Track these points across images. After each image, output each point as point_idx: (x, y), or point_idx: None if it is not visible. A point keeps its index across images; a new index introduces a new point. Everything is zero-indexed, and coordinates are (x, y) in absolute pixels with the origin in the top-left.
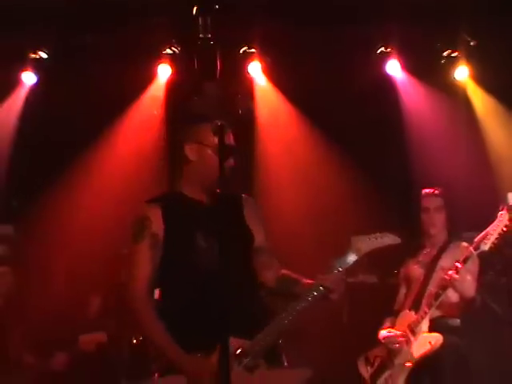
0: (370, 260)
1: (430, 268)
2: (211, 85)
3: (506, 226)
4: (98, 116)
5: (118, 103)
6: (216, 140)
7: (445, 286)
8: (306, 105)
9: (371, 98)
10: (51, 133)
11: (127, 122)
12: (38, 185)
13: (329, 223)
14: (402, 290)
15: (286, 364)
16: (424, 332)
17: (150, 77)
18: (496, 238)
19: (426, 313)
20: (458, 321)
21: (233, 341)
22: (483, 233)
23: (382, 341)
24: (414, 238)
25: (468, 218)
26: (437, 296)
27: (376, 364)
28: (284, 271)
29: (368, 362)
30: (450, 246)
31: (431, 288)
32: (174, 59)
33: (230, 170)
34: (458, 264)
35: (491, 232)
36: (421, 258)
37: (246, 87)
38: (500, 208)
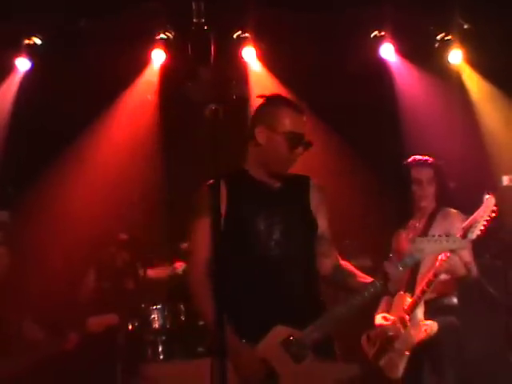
0: (363, 243)
1: None
2: (205, 70)
3: (492, 211)
4: (92, 101)
5: (112, 88)
6: (288, 127)
7: (436, 273)
8: (300, 90)
9: (366, 82)
10: (46, 119)
11: (121, 108)
12: (34, 171)
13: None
14: None
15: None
16: (419, 319)
17: (144, 62)
18: (483, 225)
19: (419, 298)
20: (455, 299)
21: (282, 329)
22: (470, 219)
23: (378, 329)
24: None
25: (463, 201)
26: (429, 283)
27: (377, 345)
28: (342, 262)
29: (370, 341)
30: (438, 214)
31: (423, 269)
32: (168, 44)
33: (297, 158)
34: (447, 253)
35: (478, 219)
36: (411, 231)
37: (240, 72)
38: (485, 192)
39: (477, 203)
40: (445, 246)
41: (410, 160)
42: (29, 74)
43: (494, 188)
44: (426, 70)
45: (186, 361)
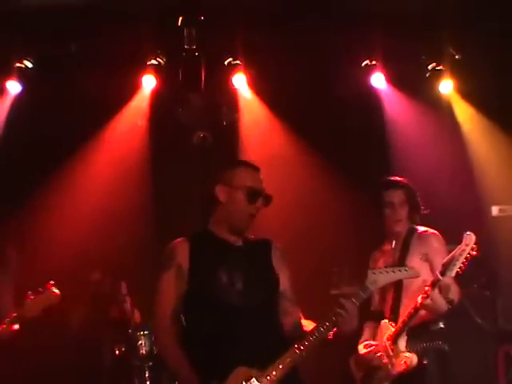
0: (352, 271)
1: None
2: (195, 96)
3: (472, 249)
4: (82, 125)
5: (102, 113)
6: (246, 182)
7: (417, 308)
8: (290, 117)
9: (356, 111)
10: (35, 142)
11: (111, 132)
12: (20, 196)
13: (314, 234)
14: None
15: None
16: (400, 350)
17: (134, 87)
18: (462, 262)
19: (401, 329)
20: (442, 324)
21: (243, 369)
22: (449, 256)
23: (362, 358)
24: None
25: (452, 230)
26: (410, 316)
27: (363, 371)
28: (304, 321)
29: (357, 365)
30: (413, 237)
31: (405, 296)
32: (158, 70)
33: (257, 212)
34: (426, 288)
35: (457, 256)
36: (387, 256)
37: (230, 99)
38: (465, 233)
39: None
40: (397, 275)
41: (381, 182)
42: (19, 97)
43: (483, 219)
44: (416, 99)
45: None
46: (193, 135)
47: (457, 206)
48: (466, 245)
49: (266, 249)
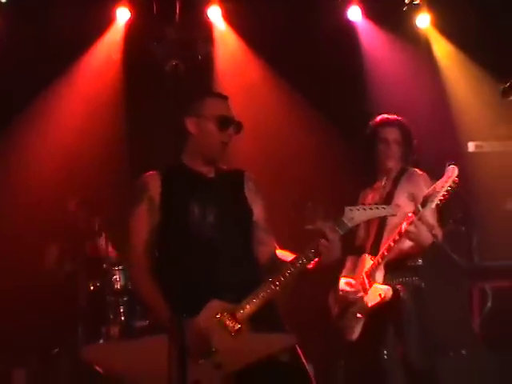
0: (326, 208)
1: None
2: (170, 29)
3: (454, 182)
4: (56, 60)
5: (76, 47)
6: (216, 111)
7: (398, 239)
8: (265, 50)
9: (332, 44)
10: (9, 77)
11: (85, 66)
12: None
13: (288, 171)
14: (361, 225)
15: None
16: (377, 282)
17: (108, 20)
18: (443, 195)
19: (379, 262)
20: (420, 261)
21: (216, 303)
22: (431, 188)
23: (341, 293)
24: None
25: (430, 166)
26: (389, 248)
27: (339, 307)
28: (279, 251)
29: (336, 300)
30: (403, 176)
31: (387, 231)
32: (132, 2)
33: (229, 140)
34: (409, 214)
35: (438, 189)
36: (376, 192)
37: (205, 32)
38: (447, 164)
39: (441, 170)
40: (375, 213)
41: (377, 119)
42: None
43: (460, 154)
44: (393, 34)
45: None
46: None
47: (434, 142)
48: (448, 177)
49: (239, 180)
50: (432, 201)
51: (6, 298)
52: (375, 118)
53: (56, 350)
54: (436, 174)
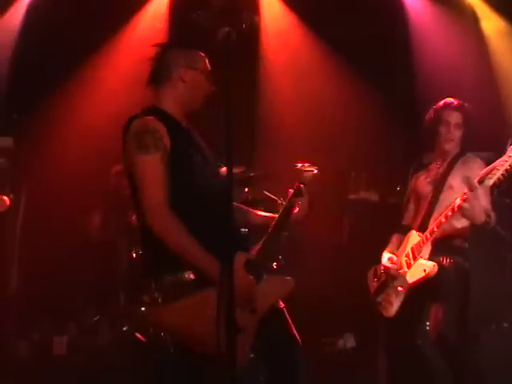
0: (370, 176)
1: (439, 186)
2: None
3: None
4: (100, 29)
5: (121, 15)
6: (205, 66)
7: (451, 215)
8: (311, 18)
9: (378, 14)
10: (52, 45)
11: (129, 35)
12: (39, 98)
13: (332, 139)
14: (411, 206)
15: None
16: (423, 258)
17: None
18: (502, 174)
19: (427, 238)
20: (466, 244)
21: (242, 254)
22: (490, 166)
23: (382, 268)
24: (420, 152)
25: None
26: (439, 224)
27: (379, 281)
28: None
29: (376, 274)
30: (459, 160)
31: (438, 210)
32: None
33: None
34: (464, 191)
35: (498, 167)
36: (431, 173)
37: (251, 1)
38: (510, 142)
39: (491, 141)
40: None
41: (441, 102)
42: (34, 2)
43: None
44: (440, 5)
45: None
46: (213, 36)
47: (481, 115)
48: (510, 156)
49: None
50: (490, 178)
51: (46, 267)
52: (439, 101)
53: (97, 317)
54: (485, 147)
